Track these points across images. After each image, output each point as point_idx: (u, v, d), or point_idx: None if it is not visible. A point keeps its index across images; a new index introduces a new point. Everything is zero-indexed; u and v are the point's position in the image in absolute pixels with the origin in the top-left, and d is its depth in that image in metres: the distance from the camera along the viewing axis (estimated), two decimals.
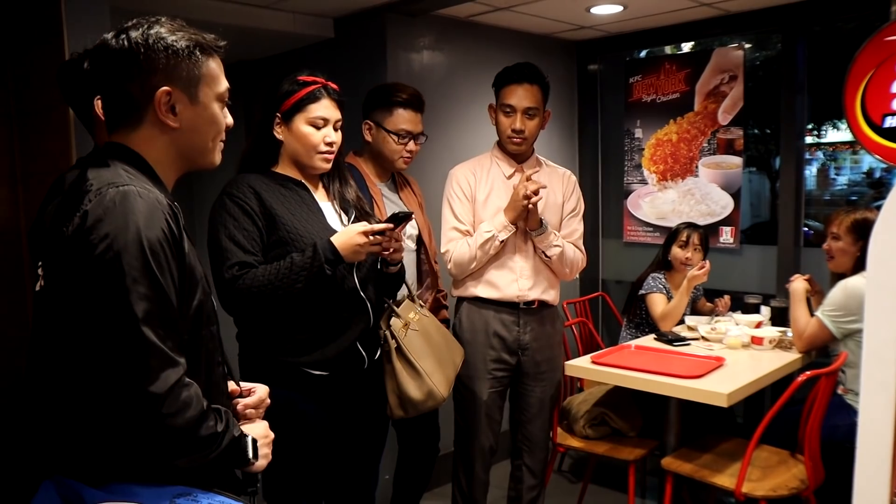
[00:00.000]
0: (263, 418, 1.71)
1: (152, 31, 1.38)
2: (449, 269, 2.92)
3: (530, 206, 2.74)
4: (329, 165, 2.30)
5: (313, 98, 2.24)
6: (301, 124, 2.23)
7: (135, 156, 1.40)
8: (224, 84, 1.48)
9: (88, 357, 1.27)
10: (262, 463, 1.50)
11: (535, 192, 2.72)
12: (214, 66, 1.46)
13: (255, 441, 1.48)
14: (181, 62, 1.39)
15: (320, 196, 2.34)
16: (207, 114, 1.45)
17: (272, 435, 1.59)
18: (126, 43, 1.37)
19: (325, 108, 2.25)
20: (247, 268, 2.12)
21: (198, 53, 1.41)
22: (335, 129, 2.28)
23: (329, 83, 2.29)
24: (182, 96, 1.40)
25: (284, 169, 2.30)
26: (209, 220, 2.21)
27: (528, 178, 2.74)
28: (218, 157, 1.52)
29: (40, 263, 1.39)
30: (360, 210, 2.39)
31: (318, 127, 2.24)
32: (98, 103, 2.00)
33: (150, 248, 1.27)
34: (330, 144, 2.26)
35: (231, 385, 1.62)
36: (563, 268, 2.95)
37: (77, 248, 1.26)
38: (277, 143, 2.28)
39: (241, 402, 1.64)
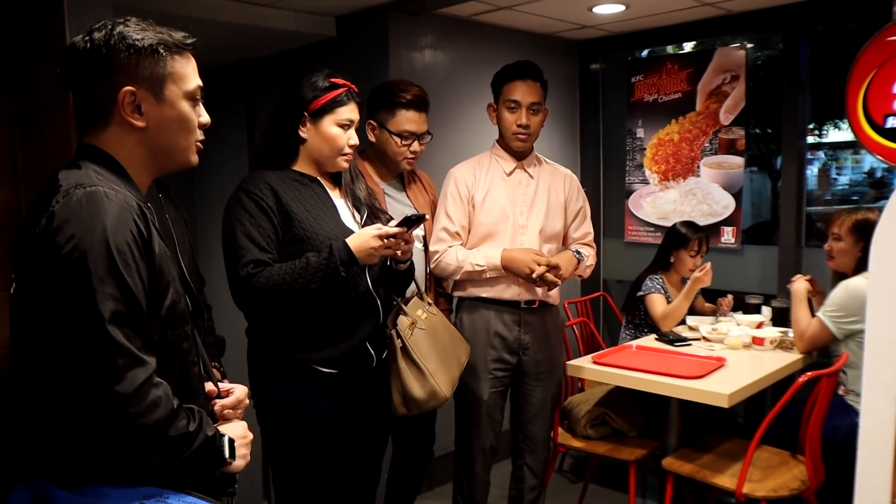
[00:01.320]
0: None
1: (115, 31, 1.38)
2: (431, 267, 2.93)
3: (549, 283, 2.80)
4: (347, 165, 2.33)
5: (343, 100, 2.26)
6: (330, 125, 2.25)
7: (105, 156, 1.41)
8: (194, 82, 1.47)
9: (58, 358, 1.28)
10: (239, 463, 1.49)
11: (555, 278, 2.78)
12: (182, 63, 1.45)
13: (231, 441, 1.47)
14: (144, 60, 1.39)
15: (335, 193, 2.35)
16: (175, 112, 1.44)
17: (251, 436, 1.58)
18: (89, 44, 1.38)
19: (352, 111, 2.28)
20: (262, 266, 2.12)
21: (161, 51, 1.41)
22: (356, 131, 2.32)
23: (352, 86, 2.32)
24: (147, 95, 1.40)
25: (302, 167, 2.31)
26: (224, 215, 2.21)
27: (554, 267, 2.78)
28: (194, 157, 1.51)
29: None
30: (371, 207, 2.40)
31: (344, 128, 2.27)
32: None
33: (117, 248, 1.27)
34: (353, 147, 2.29)
35: (209, 386, 1.61)
36: (584, 273, 3.02)
37: (44, 249, 1.27)
38: (297, 141, 2.29)
39: (219, 403, 1.64)
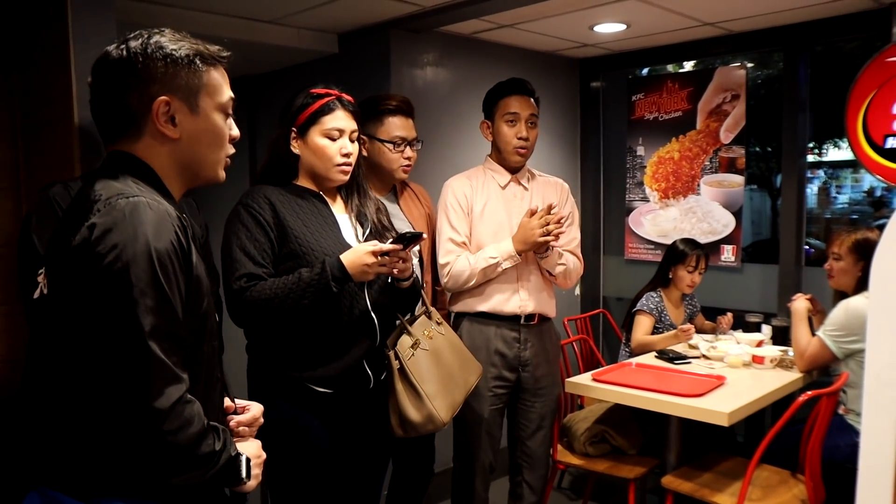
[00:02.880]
0: (266, 431, 1.69)
1: (152, 41, 1.37)
2: (444, 282, 2.91)
3: (552, 241, 2.76)
4: (346, 177, 2.29)
5: (327, 110, 2.24)
6: (316, 137, 2.23)
7: (143, 166, 1.39)
8: (227, 94, 1.46)
9: (90, 368, 1.25)
10: (252, 483, 1.46)
11: (559, 222, 2.74)
12: (216, 76, 1.44)
13: (248, 461, 1.45)
14: (180, 71, 1.38)
15: (338, 209, 2.33)
16: (208, 124, 1.43)
17: (264, 455, 1.56)
18: (125, 52, 1.36)
19: (340, 120, 2.24)
20: (255, 280, 2.12)
21: (198, 63, 1.40)
22: (352, 141, 2.27)
23: (343, 95, 2.30)
24: (182, 106, 1.39)
25: (304, 182, 2.30)
26: (224, 229, 2.21)
27: (549, 210, 2.76)
28: (222, 173, 1.49)
29: (41, 272, 1.37)
30: (378, 224, 2.37)
31: (333, 139, 2.23)
32: None
33: (159, 260, 1.25)
34: (347, 155, 2.25)
35: (226, 401, 1.59)
36: (565, 280, 2.97)
37: (84, 258, 1.24)
38: (295, 158, 2.28)
39: (235, 419, 1.62)
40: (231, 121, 1.50)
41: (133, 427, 1.24)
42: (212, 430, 1.33)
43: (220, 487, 1.43)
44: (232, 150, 1.51)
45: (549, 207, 2.78)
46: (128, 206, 1.26)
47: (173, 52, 1.37)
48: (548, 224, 2.74)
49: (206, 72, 1.42)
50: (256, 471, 1.49)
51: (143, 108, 1.37)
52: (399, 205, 2.88)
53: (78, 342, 1.26)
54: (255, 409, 1.67)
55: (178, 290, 1.28)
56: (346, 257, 2.12)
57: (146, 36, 1.38)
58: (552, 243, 2.82)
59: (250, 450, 1.50)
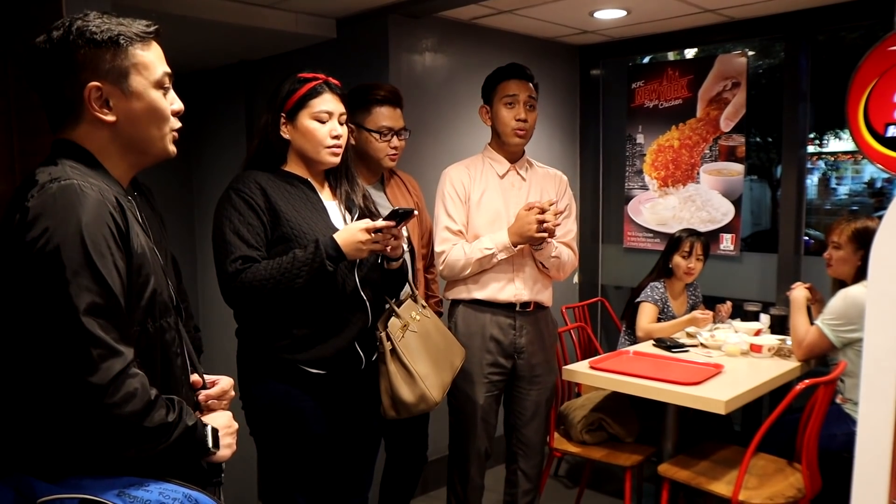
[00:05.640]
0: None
1: (73, 28, 1.36)
2: (440, 269, 2.91)
3: (547, 236, 2.75)
4: (337, 160, 2.29)
5: (315, 93, 2.24)
6: (305, 120, 2.24)
7: (79, 150, 1.40)
8: (160, 69, 1.45)
9: (32, 351, 1.28)
10: (224, 453, 1.50)
11: (556, 216, 2.74)
12: (146, 53, 1.42)
13: (215, 431, 1.47)
14: (105, 54, 1.37)
15: (326, 195, 2.34)
16: (144, 103, 1.42)
17: (236, 425, 1.58)
18: (48, 44, 1.37)
19: (328, 102, 2.25)
20: (250, 262, 2.12)
21: (122, 43, 1.38)
22: (341, 123, 2.28)
23: (330, 78, 2.30)
24: (113, 89, 1.39)
25: (293, 168, 2.30)
26: (215, 214, 2.21)
27: (551, 204, 2.75)
28: (171, 147, 1.49)
29: None
30: (364, 209, 2.38)
31: (322, 121, 2.24)
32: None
33: (92, 240, 1.26)
34: (336, 137, 2.26)
35: (194, 377, 1.61)
36: (557, 273, 2.95)
37: (18, 242, 1.26)
38: (285, 144, 2.28)
39: (203, 393, 1.64)
40: (172, 94, 1.49)
41: (76, 404, 1.26)
42: (163, 402, 1.35)
43: (187, 458, 1.45)
44: (178, 125, 1.51)
45: (549, 204, 2.77)
46: (59, 190, 1.28)
47: (94, 37, 1.36)
48: (545, 220, 2.73)
49: (133, 50, 1.40)
50: (228, 440, 1.52)
51: (76, 96, 1.38)
52: (385, 193, 2.88)
53: (20, 326, 1.29)
54: (223, 383, 1.70)
55: (115, 268, 1.30)
56: (339, 236, 2.14)
57: (67, 24, 1.38)
58: (548, 239, 2.81)
59: (220, 421, 1.53)
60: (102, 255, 1.27)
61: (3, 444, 1.37)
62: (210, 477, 1.50)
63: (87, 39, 1.36)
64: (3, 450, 1.37)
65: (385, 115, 2.76)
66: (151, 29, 1.44)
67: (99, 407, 1.26)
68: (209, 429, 1.46)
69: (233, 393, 1.71)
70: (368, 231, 2.13)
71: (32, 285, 1.26)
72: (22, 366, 1.31)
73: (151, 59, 1.43)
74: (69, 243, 1.25)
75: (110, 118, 1.40)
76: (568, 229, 3.01)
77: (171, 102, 1.48)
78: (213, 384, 1.68)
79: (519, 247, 2.81)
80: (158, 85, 1.44)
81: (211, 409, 1.64)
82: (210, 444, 1.45)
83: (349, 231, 2.14)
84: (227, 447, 1.51)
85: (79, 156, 1.39)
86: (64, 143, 1.41)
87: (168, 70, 1.47)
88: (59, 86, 1.38)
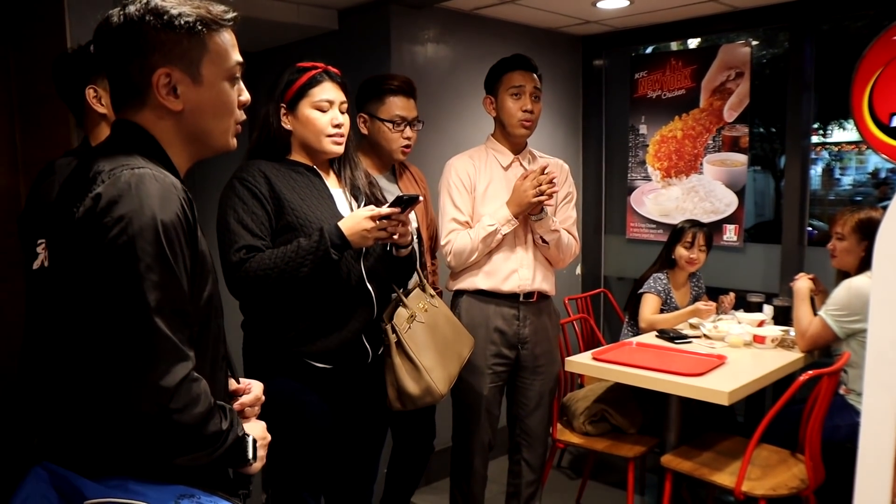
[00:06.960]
0: (265, 407, 1.67)
1: (151, 6, 1.27)
2: (448, 261, 2.91)
3: (545, 200, 2.75)
4: (340, 149, 2.28)
5: (315, 82, 2.24)
6: (306, 109, 2.23)
7: (147, 137, 1.32)
8: (234, 58, 1.38)
9: (93, 343, 1.20)
10: (258, 465, 1.42)
11: (551, 182, 2.73)
12: (222, 40, 1.35)
13: (255, 442, 1.41)
14: (181, 39, 1.29)
15: (332, 183, 2.33)
16: (214, 93, 1.35)
17: (269, 437, 1.52)
18: (122, 18, 1.28)
19: (328, 91, 2.25)
20: (254, 251, 2.11)
21: (200, 28, 1.30)
22: (342, 112, 2.27)
23: (329, 67, 2.29)
24: (183, 77, 1.31)
25: (298, 157, 2.30)
26: (219, 203, 2.20)
27: (542, 171, 2.74)
28: (233, 141, 1.42)
29: (41, 242, 1.33)
30: (370, 197, 2.37)
31: (323, 110, 2.24)
32: (90, 92, 1.99)
33: (166, 233, 1.20)
34: (338, 126, 2.25)
35: (233, 383, 1.56)
36: (558, 254, 2.95)
37: (88, 230, 1.19)
38: (287, 135, 2.27)
39: (240, 401, 1.57)
40: (241, 85, 1.41)
41: (139, 405, 1.19)
42: (219, 410, 1.30)
43: (226, 468, 1.40)
44: (242, 117, 1.44)
45: (542, 168, 2.76)
46: (133, 178, 1.21)
47: (172, 20, 1.28)
48: (540, 185, 2.73)
49: (210, 37, 1.32)
50: (262, 452, 1.45)
51: (144, 79, 1.29)
52: (399, 186, 2.88)
53: (81, 316, 1.21)
54: (256, 389, 1.64)
55: (183, 266, 1.24)
56: (344, 223, 2.12)
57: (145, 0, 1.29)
58: (545, 203, 2.80)
59: (256, 431, 1.47)
60: (174, 250, 1.22)
61: (37, 431, 1.30)
62: (237, 488, 1.44)
63: (164, 22, 1.27)
64: (35, 436, 1.30)
65: (399, 105, 2.75)
66: (230, 16, 1.37)
67: (163, 411, 1.19)
68: (250, 439, 1.39)
69: (264, 398, 1.64)
70: (374, 218, 2.11)
71: (103, 275, 1.18)
72: (76, 352, 1.23)
73: (226, 48, 1.36)
74: (144, 235, 1.18)
75: (176, 107, 1.32)
76: (567, 215, 3.02)
77: (240, 93, 1.42)
78: (247, 390, 1.61)
79: (520, 218, 2.82)
80: (230, 74, 1.38)
81: (245, 417, 1.57)
82: (250, 455, 1.38)
83: (354, 218, 2.12)
84: (260, 459, 1.43)
85: (145, 141, 1.32)
86: (129, 127, 1.33)
87: (240, 60, 1.40)
88: (127, 66, 1.29)
